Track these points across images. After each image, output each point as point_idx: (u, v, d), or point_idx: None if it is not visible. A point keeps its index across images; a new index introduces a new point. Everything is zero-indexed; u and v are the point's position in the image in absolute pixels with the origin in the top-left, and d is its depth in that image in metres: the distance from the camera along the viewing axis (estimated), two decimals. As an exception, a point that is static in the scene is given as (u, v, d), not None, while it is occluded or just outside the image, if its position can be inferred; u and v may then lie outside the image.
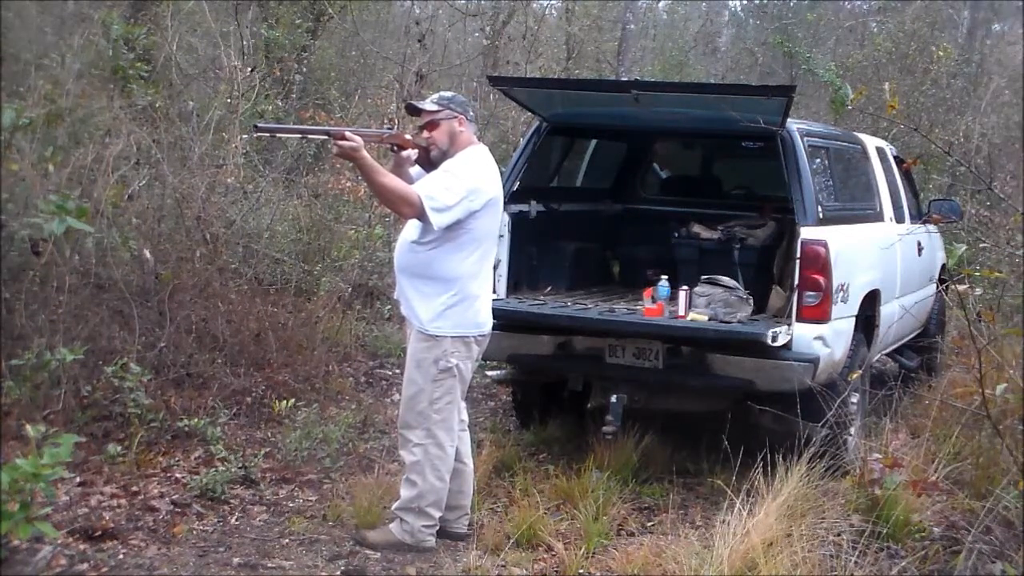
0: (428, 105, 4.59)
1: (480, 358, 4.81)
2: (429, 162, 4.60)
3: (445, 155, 4.57)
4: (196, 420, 5.50)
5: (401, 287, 4.61)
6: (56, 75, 6.30)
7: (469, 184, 4.42)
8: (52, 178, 5.57)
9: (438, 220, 4.35)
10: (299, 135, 4.91)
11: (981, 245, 8.90)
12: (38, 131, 5.66)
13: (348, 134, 4.26)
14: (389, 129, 4.62)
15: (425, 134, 4.61)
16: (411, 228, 4.54)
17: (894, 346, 7.23)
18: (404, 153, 4.58)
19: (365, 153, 4.28)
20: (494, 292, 5.46)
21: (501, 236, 4.82)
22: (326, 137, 4.36)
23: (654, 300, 5.67)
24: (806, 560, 4.07)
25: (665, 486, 5.63)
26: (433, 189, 4.37)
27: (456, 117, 4.58)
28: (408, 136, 4.69)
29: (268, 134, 4.62)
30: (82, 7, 7.56)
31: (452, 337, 4.50)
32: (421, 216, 4.35)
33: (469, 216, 4.43)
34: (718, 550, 4.17)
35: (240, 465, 5.28)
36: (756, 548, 4.13)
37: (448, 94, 4.70)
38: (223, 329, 6.36)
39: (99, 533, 4.43)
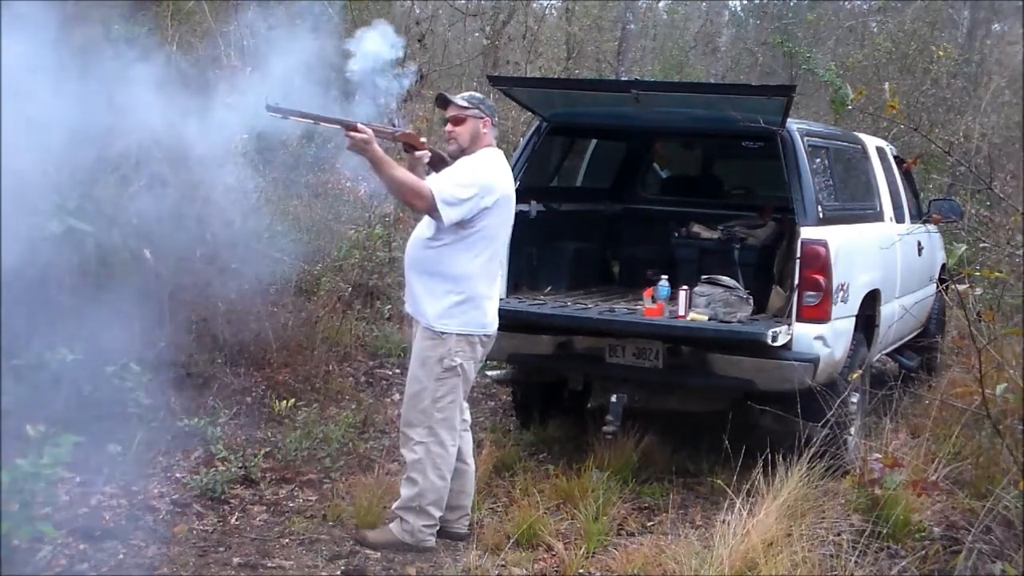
0: (460, 100, 4.64)
1: (484, 358, 4.82)
2: (443, 164, 4.64)
3: (463, 152, 4.59)
4: (196, 420, 5.51)
5: (410, 284, 4.62)
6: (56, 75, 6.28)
7: (482, 181, 4.44)
8: (52, 178, 5.56)
9: (449, 214, 4.36)
10: (312, 121, 4.90)
11: (981, 245, 8.90)
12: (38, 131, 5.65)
13: (360, 126, 4.29)
14: (401, 128, 4.65)
15: (449, 127, 4.64)
16: (424, 226, 4.56)
17: (894, 346, 7.23)
18: (418, 154, 4.62)
19: (376, 146, 4.32)
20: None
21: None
22: (339, 127, 4.37)
23: (654, 300, 5.67)
24: (806, 560, 4.08)
25: (665, 486, 5.63)
26: (445, 183, 4.39)
27: (483, 119, 4.63)
28: (423, 139, 4.72)
29: (280, 115, 4.58)
30: (82, 7, 7.55)
31: (458, 335, 4.50)
32: (432, 210, 4.37)
33: (480, 214, 4.44)
34: (718, 550, 4.17)
35: (240, 465, 5.28)
36: (756, 548, 4.13)
37: (479, 95, 4.77)
38: (223, 329, 6.36)
39: (99, 533, 4.44)
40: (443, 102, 4.71)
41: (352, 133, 4.27)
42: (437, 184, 4.39)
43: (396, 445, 5.11)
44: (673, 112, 6.16)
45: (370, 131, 4.30)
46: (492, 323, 4.64)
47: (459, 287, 4.48)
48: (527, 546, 4.68)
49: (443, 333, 4.49)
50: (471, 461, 4.85)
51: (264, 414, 6.11)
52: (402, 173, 4.40)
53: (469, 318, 4.52)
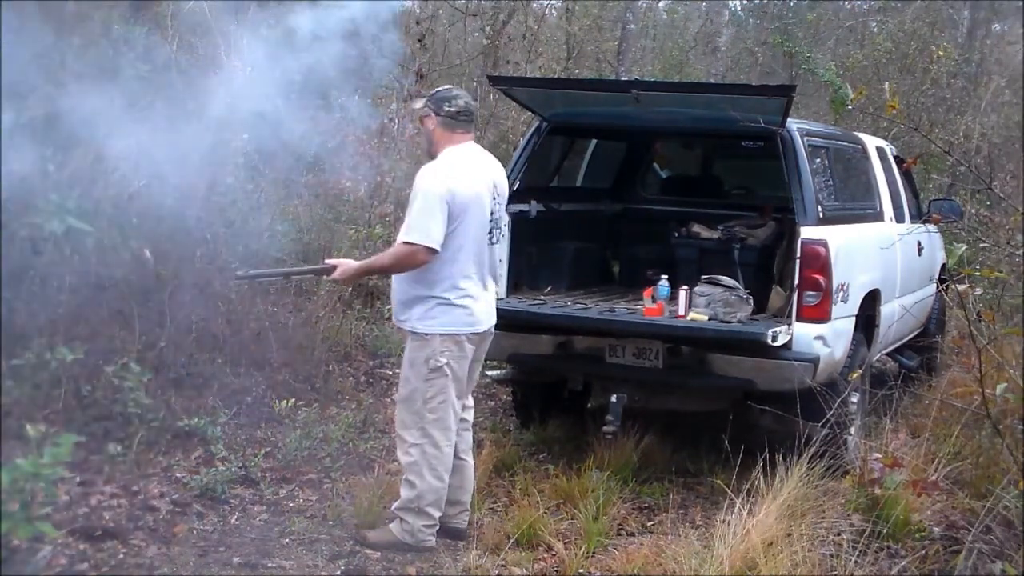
0: (417, 102, 4.65)
1: (481, 357, 4.81)
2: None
3: (431, 155, 4.63)
4: (196, 420, 5.50)
5: (393, 289, 4.64)
6: (56, 75, 6.28)
7: (437, 193, 4.39)
8: (52, 178, 5.56)
9: (437, 243, 4.39)
10: (283, 277, 5.34)
11: (981, 245, 8.90)
12: (38, 131, 5.65)
13: (330, 263, 4.62)
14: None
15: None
16: (401, 232, 4.55)
17: (894, 346, 7.23)
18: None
19: (356, 265, 4.63)
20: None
21: (496, 232, 4.81)
22: (313, 275, 4.68)
23: (654, 300, 5.67)
24: (806, 560, 4.08)
25: (665, 486, 5.64)
26: (416, 224, 4.39)
27: (428, 115, 4.59)
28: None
29: (249, 280, 4.99)
30: (82, 7, 7.54)
31: (441, 336, 4.50)
32: (431, 253, 4.39)
33: (451, 220, 4.44)
34: (718, 550, 4.17)
35: (240, 465, 5.28)
36: (756, 548, 4.14)
37: (439, 88, 4.71)
38: (223, 329, 6.36)
39: (99, 533, 4.43)
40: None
41: (335, 275, 4.60)
42: (415, 230, 4.38)
43: (395, 446, 5.11)
44: (673, 112, 6.16)
45: (343, 261, 4.62)
46: (480, 321, 4.61)
47: (435, 289, 4.48)
48: (527, 546, 4.68)
49: (427, 334, 4.50)
50: (468, 457, 4.83)
51: (264, 414, 6.11)
52: (387, 258, 4.57)
53: (452, 318, 4.51)
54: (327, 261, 4.69)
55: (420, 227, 4.37)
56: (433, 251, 4.38)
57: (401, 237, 4.46)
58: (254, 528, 4.80)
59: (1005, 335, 5.25)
